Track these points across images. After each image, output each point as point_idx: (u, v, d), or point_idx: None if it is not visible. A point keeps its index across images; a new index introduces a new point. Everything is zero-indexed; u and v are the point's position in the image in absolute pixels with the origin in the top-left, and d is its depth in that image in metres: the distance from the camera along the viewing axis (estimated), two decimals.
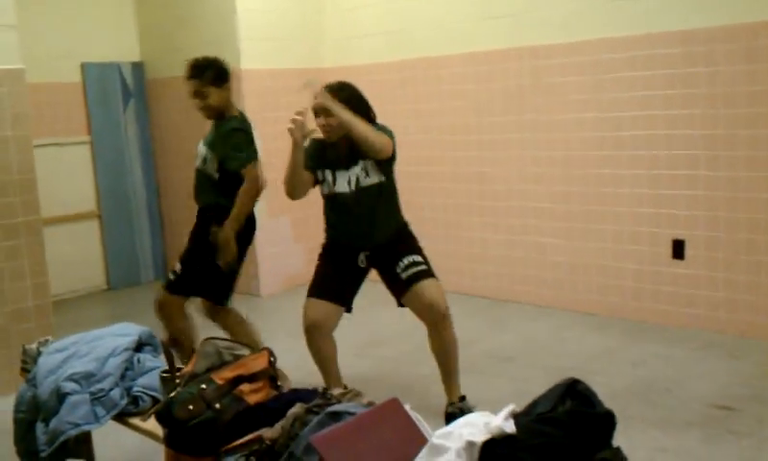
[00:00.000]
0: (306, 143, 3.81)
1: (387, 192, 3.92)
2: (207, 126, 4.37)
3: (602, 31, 5.24)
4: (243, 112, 4.30)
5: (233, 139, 4.12)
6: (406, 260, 3.88)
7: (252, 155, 4.15)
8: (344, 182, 3.89)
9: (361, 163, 3.84)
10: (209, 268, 4.16)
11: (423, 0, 6.25)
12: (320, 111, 3.74)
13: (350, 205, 3.91)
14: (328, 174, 3.91)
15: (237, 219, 4.12)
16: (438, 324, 3.88)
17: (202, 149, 4.24)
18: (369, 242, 3.96)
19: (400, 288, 3.92)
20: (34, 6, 6.44)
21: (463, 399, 4.01)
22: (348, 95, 3.78)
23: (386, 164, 3.87)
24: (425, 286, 3.84)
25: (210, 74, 4.10)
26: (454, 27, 6.07)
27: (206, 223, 4.21)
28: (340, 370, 4.05)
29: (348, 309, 4.06)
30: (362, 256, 3.98)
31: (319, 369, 4.06)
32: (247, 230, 4.29)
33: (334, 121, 3.70)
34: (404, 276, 3.87)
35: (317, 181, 3.98)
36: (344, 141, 3.81)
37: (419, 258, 3.91)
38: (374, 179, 3.85)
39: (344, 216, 3.97)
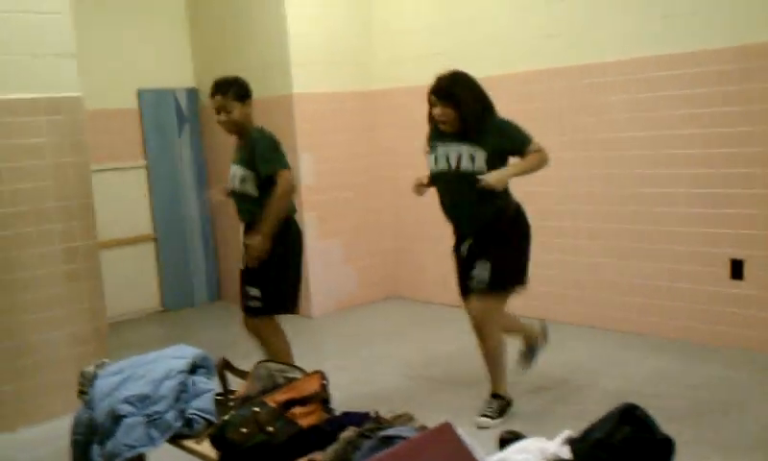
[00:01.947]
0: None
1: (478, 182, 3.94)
2: None
3: (655, 48, 5.17)
4: (263, 128, 4.35)
5: (260, 147, 4.20)
6: (476, 269, 4.05)
7: (281, 158, 4.20)
8: (443, 160, 4.05)
9: (468, 146, 3.96)
10: (272, 279, 4.23)
11: (471, 22, 6.25)
12: (435, 102, 3.98)
13: (445, 184, 4.10)
14: (433, 152, 4.11)
15: (270, 221, 4.12)
16: (477, 331, 4.14)
17: (237, 170, 4.28)
18: (466, 227, 4.12)
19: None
20: (91, 34, 6.60)
21: (496, 396, 4.20)
22: (464, 88, 4.00)
23: (500, 160, 3.98)
24: (471, 300, 4.13)
25: (234, 90, 4.22)
26: (503, 48, 6.05)
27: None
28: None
29: None
30: (465, 246, 4.13)
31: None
32: (293, 240, 4.31)
33: (449, 112, 3.94)
34: (469, 282, 4.12)
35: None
36: (458, 122, 3.99)
37: (484, 274, 4.02)
38: (476, 167, 3.94)
39: (441, 194, 4.17)
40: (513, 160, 4.09)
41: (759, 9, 4.71)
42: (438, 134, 4.12)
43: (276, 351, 4.25)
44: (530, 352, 4.55)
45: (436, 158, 4.09)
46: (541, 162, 4.04)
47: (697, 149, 5.05)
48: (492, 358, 4.19)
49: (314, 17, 6.68)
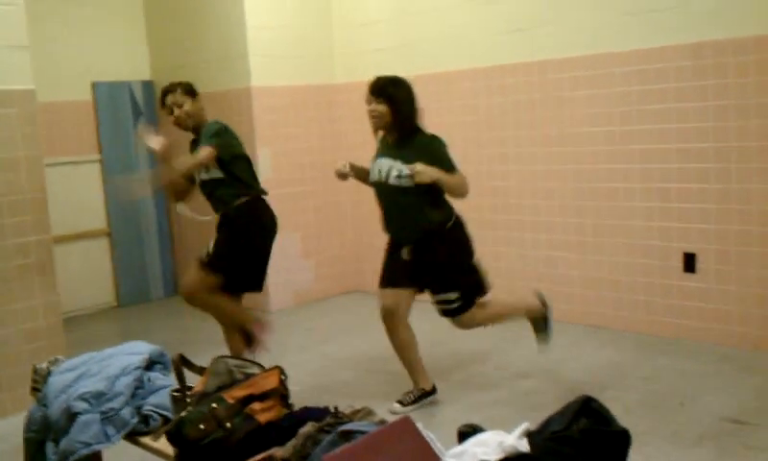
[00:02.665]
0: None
1: (418, 194, 4.04)
2: None
3: (613, 45, 5.23)
4: (217, 120, 4.54)
5: (211, 128, 4.37)
6: (442, 297, 4.17)
7: (212, 141, 4.30)
8: (377, 171, 4.16)
9: (399, 162, 4.04)
10: (240, 263, 4.40)
11: (433, 15, 6.26)
12: (371, 99, 4.10)
13: (380, 195, 4.21)
14: (375, 164, 4.19)
15: (180, 167, 4.30)
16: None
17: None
18: (402, 237, 4.19)
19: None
20: (44, 25, 6.49)
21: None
22: (400, 89, 4.12)
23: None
24: (454, 323, 4.29)
25: (182, 87, 4.45)
26: (465, 42, 6.08)
27: (233, 222, 4.39)
28: (418, 362, 4.32)
29: (419, 290, 4.29)
30: (405, 250, 4.18)
31: (400, 359, 4.32)
32: (262, 228, 4.47)
33: (382, 109, 4.05)
34: (437, 308, 4.24)
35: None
36: (392, 132, 4.12)
37: (452, 296, 4.14)
38: (404, 182, 4.03)
39: (380, 204, 4.25)
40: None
41: (713, 7, 4.79)
42: (380, 146, 4.23)
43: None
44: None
45: (372, 169, 4.21)
46: (464, 188, 4.09)
47: (652, 144, 5.13)
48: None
49: (273, 9, 6.64)
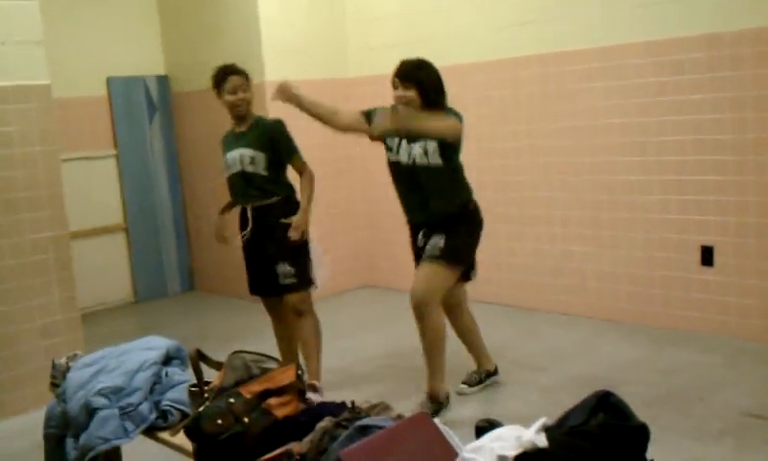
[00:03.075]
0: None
1: (443, 177, 4.03)
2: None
3: (627, 36, 5.20)
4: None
5: (283, 134, 4.48)
6: (430, 242, 4.04)
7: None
8: (405, 154, 4.06)
9: (421, 142, 3.98)
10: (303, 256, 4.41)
11: (446, 9, 6.24)
12: (397, 84, 4.00)
13: (407, 178, 4.10)
14: (396, 141, 4.09)
15: (311, 201, 4.36)
16: (415, 313, 4.03)
17: (245, 151, 4.34)
18: (423, 219, 4.13)
19: None
20: (59, 21, 6.51)
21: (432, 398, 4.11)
22: (427, 73, 4.01)
23: (448, 150, 4.00)
24: (418, 271, 4.08)
25: (246, 76, 4.43)
26: (478, 35, 6.05)
27: (273, 220, 4.34)
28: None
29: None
30: (420, 236, 4.16)
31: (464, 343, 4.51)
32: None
33: (411, 94, 3.94)
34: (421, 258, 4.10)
35: (379, 140, 4.20)
36: (417, 107, 3.99)
37: (439, 243, 4.00)
38: (432, 161, 3.98)
39: (402, 187, 4.18)
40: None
41: None
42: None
43: (314, 326, 4.42)
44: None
45: (397, 150, 4.08)
46: (448, 129, 3.93)
47: (669, 136, 5.09)
48: (431, 349, 4.10)
49: (286, 4, 6.63)
